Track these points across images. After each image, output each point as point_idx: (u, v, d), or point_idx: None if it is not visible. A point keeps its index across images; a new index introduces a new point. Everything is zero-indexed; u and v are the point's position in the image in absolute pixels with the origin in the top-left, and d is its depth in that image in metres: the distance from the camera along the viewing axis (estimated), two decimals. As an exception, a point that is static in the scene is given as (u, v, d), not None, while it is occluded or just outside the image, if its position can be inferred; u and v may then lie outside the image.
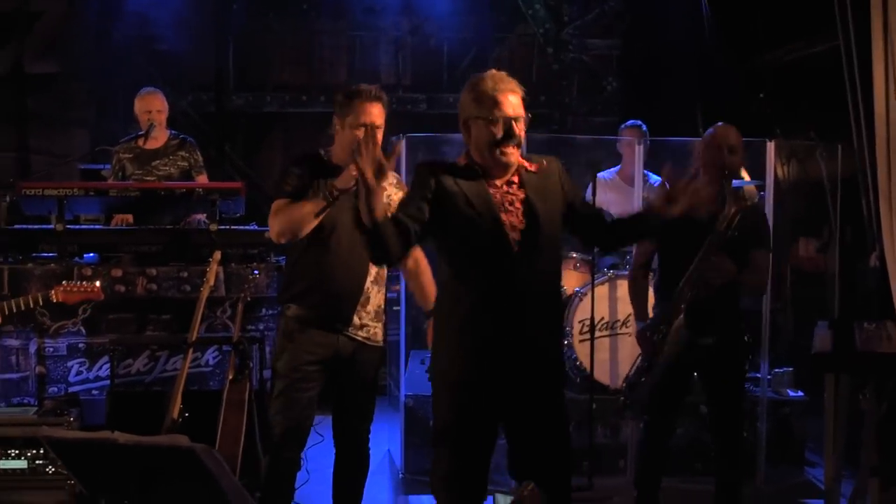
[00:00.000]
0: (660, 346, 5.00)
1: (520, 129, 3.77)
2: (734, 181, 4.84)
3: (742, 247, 4.91)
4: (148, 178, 6.76)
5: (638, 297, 5.31)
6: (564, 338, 4.26)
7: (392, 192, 4.61)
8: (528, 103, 3.86)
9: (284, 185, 4.48)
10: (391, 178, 4.61)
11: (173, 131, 7.07)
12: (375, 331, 4.66)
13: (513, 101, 3.76)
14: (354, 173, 4.07)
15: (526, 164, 3.88)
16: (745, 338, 5.13)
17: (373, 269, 4.56)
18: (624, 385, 5.26)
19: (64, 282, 4.92)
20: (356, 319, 4.56)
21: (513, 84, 3.79)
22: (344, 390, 4.69)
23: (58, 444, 3.50)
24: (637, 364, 5.20)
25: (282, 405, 4.57)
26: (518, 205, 3.79)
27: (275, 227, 4.43)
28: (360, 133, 4.35)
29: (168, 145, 6.93)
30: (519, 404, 3.88)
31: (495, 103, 3.73)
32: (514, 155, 3.78)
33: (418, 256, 4.77)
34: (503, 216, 3.77)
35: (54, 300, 4.98)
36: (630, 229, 4.15)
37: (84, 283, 4.88)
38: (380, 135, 4.42)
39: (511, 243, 3.76)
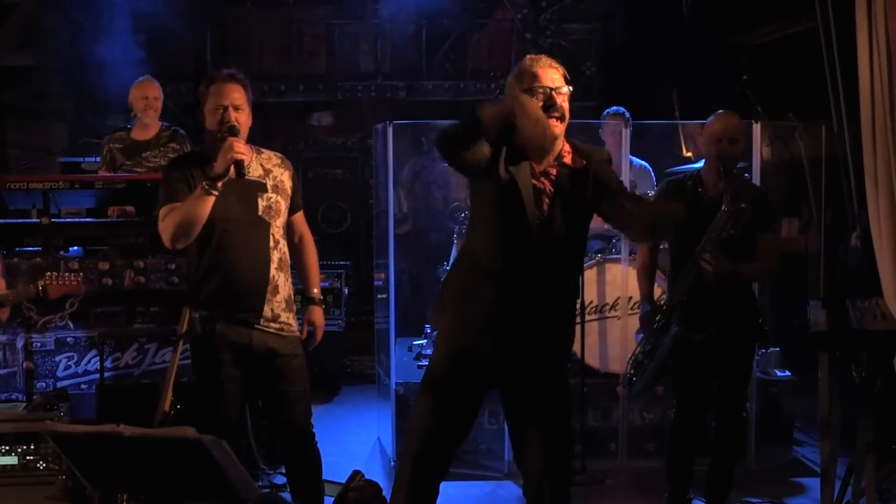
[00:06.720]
0: (658, 334, 5.02)
1: (561, 100, 3.81)
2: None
3: (748, 236, 4.89)
4: (138, 170, 6.68)
5: (645, 279, 5.30)
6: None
7: (278, 172, 4.59)
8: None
9: (164, 191, 4.44)
10: (273, 158, 4.63)
11: (165, 123, 6.96)
12: (289, 321, 4.58)
13: (552, 75, 3.82)
14: (228, 156, 4.21)
15: (568, 155, 3.88)
16: (759, 321, 5.16)
17: (275, 256, 4.50)
18: (630, 362, 5.26)
19: (48, 273, 4.86)
20: (267, 310, 4.47)
21: (553, 62, 3.86)
22: (271, 386, 4.59)
23: (62, 438, 3.48)
24: (642, 347, 5.21)
25: (209, 408, 4.51)
26: (546, 199, 3.80)
27: (166, 233, 4.37)
28: (220, 115, 4.36)
29: (160, 136, 6.84)
30: (511, 383, 3.93)
31: (534, 76, 3.80)
32: (558, 128, 3.79)
33: (304, 232, 4.81)
34: (531, 207, 3.77)
35: (41, 289, 4.87)
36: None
37: (68, 274, 4.82)
38: (243, 117, 4.42)
39: (531, 232, 3.77)
